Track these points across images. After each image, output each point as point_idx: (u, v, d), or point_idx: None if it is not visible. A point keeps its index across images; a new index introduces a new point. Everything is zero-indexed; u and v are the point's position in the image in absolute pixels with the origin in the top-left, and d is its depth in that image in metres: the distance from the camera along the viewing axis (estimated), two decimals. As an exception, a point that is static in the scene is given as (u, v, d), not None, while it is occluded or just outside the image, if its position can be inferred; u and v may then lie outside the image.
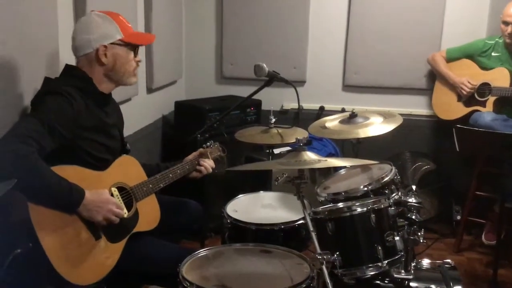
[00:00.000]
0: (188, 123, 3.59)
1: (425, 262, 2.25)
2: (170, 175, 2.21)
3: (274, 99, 3.86)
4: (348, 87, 4.04)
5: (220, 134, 2.80)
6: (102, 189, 1.87)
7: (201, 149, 2.42)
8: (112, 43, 1.99)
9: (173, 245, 2.18)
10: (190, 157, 2.38)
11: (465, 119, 3.48)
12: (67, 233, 1.75)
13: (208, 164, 2.37)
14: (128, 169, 2.08)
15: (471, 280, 3.11)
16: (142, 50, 3.21)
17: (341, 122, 2.74)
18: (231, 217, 2.36)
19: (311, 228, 1.84)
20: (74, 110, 1.86)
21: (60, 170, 1.74)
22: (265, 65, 2.36)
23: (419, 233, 2.08)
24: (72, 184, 1.73)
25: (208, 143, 2.47)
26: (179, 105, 3.75)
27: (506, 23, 3.28)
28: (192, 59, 4.16)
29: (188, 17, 4.08)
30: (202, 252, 2.01)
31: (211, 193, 3.35)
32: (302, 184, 1.94)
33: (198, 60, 4.16)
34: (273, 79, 2.40)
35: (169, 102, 3.80)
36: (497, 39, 3.48)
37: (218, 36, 4.09)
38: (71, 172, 1.78)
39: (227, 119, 3.46)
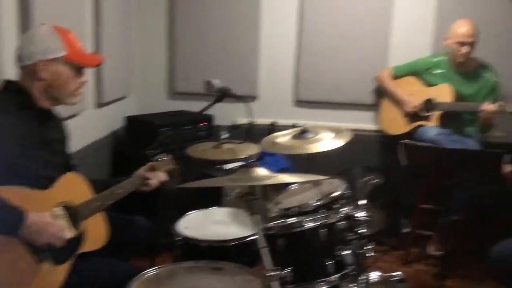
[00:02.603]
0: (139, 138, 3.53)
1: (375, 275, 2.28)
2: (120, 190, 2.15)
3: (226, 114, 3.86)
4: (299, 103, 4.09)
5: (172, 149, 2.77)
6: (45, 210, 1.80)
7: (151, 163, 2.37)
8: (53, 59, 1.94)
9: (122, 264, 2.12)
10: (140, 171, 2.33)
11: (411, 134, 3.59)
12: (8, 258, 1.67)
13: (159, 177, 2.33)
14: (73, 187, 2.01)
15: (419, 291, 3.19)
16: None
17: (293, 137, 2.76)
18: (182, 234, 2.33)
19: (263, 244, 1.84)
20: (13, 127, 1.79)
21: (1, 191, 1.66)
22: (215, 81, 2.36)
23: (368, 247, 2.12)
24: (12, 206, 1.66)
25: (159, 157, 2.43)
26: (130, 120, 3.68)
27: (462, 43, 3.40)
28: (143, 74, 4.11)
29: (139, 31, 4.03)
30: (152, 271, 1.96)
31: (163, 209, 3.29)
32: (253, 200, 1.94)
33: (150, 74, 4.12)
34: (224, 95, 2.40)
35: (120, 117, 3.73)
36: (440, 57, 3.63)
37: (170, 50, 4.07)
38: (12, 193, 1.70)
39: (179, 135, 3.45)
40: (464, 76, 3.53)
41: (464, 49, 3.38)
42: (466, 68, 3.52)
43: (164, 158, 2.43)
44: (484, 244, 2.30)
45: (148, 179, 2.29)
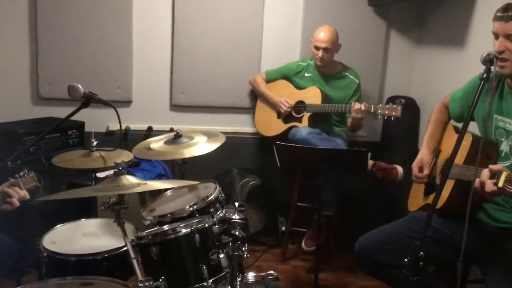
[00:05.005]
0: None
1: (251, 275, 2.33)
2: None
3: (99, 120, 3.71)
4: (175, 107, 4.05)
5: (37, 160, 2.58)
6: None
7: (12, 180, 2.19)
8: None
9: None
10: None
11: (285, 134, 3.72)
12: None
13: (20, 195, 2.16)
14: None
15: (296, 286, 3.31)
16: None
17: (166, 142, 2.72)
18: (47, 249, 2.18)
19: (132, 255, 1.79)
20: None
21: None
22: (80, 86, 2.23)
23: (243, 248, 2.15)
24: None
25: (21, 173, 2.25)
26: (-12, 129, 3.37)
27: (317, 48, 3.59)
28: (2, 79, 3.78)
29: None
30: (13, 292, 1.81)
31: (28, 225, 3.06)
32: (123, 209, 1.88)
33: (10, 79, 3.79)
34: (89, 100, 2.28)
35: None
36: (308, 61, 3.80)
37: (32, 53, 3.79)
38: None
39: (46, 143, 3.23)
40: (329, 78, 3.73)
41: (320, 53, 3.57)
42: (331, 71, 3.73)
43: (27, 174, 2.25)
44: (353, 236, 2.44)
45: (9, 197, 2.11)
